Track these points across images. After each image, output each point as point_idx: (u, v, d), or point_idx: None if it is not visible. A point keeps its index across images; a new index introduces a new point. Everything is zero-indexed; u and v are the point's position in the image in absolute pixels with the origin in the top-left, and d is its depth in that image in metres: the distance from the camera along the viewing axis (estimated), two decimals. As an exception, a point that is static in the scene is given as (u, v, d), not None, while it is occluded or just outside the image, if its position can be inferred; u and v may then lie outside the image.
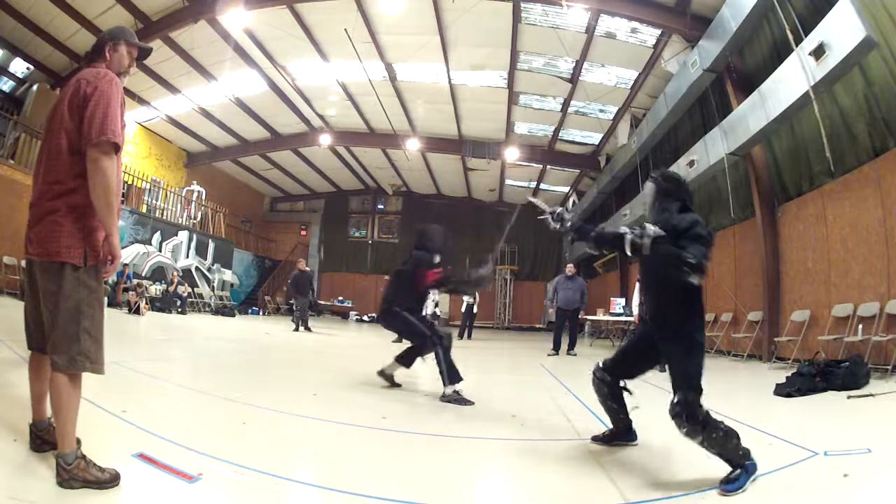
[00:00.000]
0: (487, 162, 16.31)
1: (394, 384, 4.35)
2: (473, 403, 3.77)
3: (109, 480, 1.68)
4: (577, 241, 2.35)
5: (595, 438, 2.82)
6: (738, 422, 3.31)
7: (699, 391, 2.17)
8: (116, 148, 1.71)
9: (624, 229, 2.25)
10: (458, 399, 3.80)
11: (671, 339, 2.30)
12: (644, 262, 2.49)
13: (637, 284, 7.03)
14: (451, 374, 3.92)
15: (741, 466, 2.13)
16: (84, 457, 1.70)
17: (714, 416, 2.19)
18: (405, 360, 4.32)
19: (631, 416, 2.72)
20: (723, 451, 2.15)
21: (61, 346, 1.68)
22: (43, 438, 1.88)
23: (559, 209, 2.62)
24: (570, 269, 9.25)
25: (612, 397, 2.65)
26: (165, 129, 15.91)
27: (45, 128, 1.84)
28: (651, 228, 2.18)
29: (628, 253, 2.22)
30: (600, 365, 2.68)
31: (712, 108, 9.10)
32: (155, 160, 16.17)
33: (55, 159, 1.73)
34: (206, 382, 4.02)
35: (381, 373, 4.38)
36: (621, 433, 2.76)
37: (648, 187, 2.57)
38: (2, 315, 6.21)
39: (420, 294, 4.35)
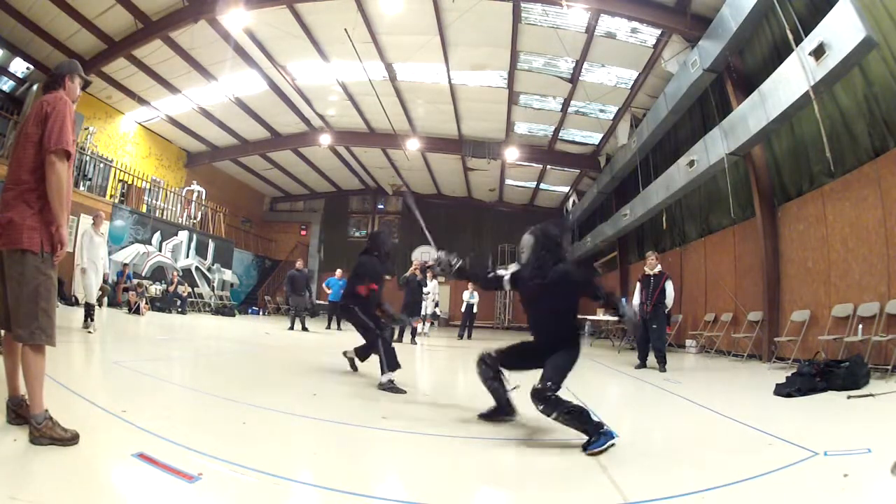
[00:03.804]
0: (487, 162, 16.31)
1: (353, 367, 4.88)
2: (406, 392, 4.00)
3: (70, 438, 1.97)
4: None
5: (481, 416, 3.15)
6: (738, 422, 3.34)
7: (555, 383, 2.67)
8: (68, 155, 2.08)
9: (502, 272, 3.08)
10: (391, 388, 4.03)
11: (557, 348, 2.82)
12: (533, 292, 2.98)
13: (638, 285, 7.03)
14: (389, 363, 4.16)
15: (598, 434, 2.52)
16: (51, 418, 1.98)
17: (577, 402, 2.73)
18: (360, 353, 4.76)
19: (509, 394, 3.12)
20: (578, 426, 2.59)
21: (23, 322, 1.99)
22: (17, 412, 2.15)
23: (440, 255, 3.21)
24: None
25: (494, 379, 3.08)
26: (165, 129, 15.91)
27: (14, 140, 2.26)
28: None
29: (506, 289, 3.10)
30: (492, 354, 3.10)
31: (712, 108, 9.10)
32: (155, 160, 16.18)
33: (21, 165, 2.07)
34: (206, 382, 4.02)
35: (345, 353, 4.92)
36: (503, 408, 3.12)
37: (526, 239, 3.02)
38: None
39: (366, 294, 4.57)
